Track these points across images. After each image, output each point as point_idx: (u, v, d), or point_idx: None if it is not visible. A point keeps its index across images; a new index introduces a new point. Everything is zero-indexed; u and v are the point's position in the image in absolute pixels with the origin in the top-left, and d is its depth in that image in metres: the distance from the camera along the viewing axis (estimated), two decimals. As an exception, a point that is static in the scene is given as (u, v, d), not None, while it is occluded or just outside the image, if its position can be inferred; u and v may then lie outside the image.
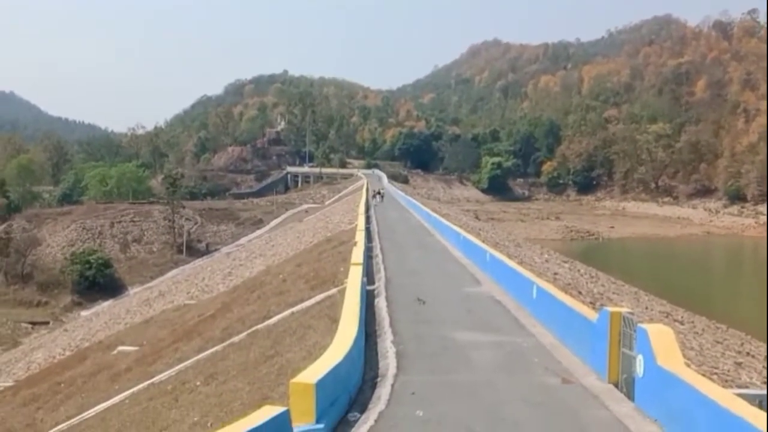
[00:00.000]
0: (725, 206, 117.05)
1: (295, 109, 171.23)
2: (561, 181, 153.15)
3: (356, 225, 34.90)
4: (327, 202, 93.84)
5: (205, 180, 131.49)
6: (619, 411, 9.41)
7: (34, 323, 56.58)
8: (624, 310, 11.12)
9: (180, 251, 75.16)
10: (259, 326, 18.63)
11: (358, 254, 20.41)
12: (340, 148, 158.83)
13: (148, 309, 45.04)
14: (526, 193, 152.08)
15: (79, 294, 63.00)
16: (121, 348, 29.43)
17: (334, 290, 19.25)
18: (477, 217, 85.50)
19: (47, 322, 57.09)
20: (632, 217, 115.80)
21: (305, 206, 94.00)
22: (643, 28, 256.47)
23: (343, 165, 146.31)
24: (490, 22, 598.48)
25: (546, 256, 43.83)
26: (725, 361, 22.06)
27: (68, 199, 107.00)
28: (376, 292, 19.13)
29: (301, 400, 7.75)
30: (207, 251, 76.59)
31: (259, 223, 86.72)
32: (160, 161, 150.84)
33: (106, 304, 60.73)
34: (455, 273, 23.44)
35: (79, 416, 19.02)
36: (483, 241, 29.59)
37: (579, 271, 39.37)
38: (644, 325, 9.69)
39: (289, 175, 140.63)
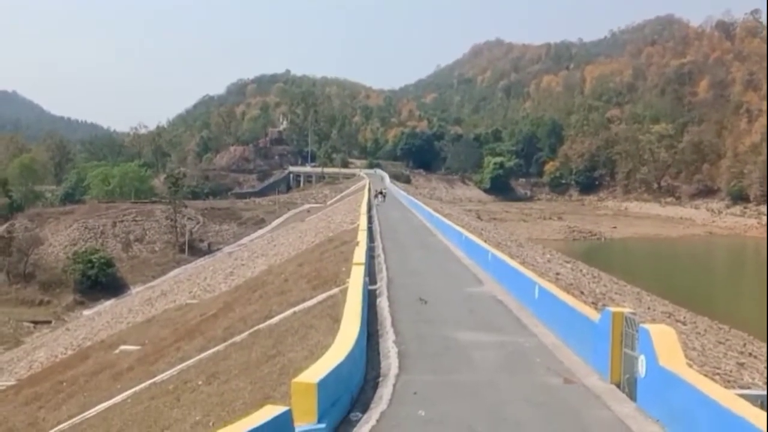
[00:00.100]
0: (728, 206, 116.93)
1: (298, 108, 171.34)
2: (563, 181, 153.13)
3: (358, 225, 34.89)
4: (329, 202, 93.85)
5: (207, 179, 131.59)
6: (621, 411, 9.40)
7: (36, 322, 56.67)
8: (626, 310, 11.11)
9: (182, 251, 75.23)
10: (261, 326, 18.63)
11: (360, 254, 20.41)
12: (342, 148, 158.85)
13: (150, 308, 45.10)
14: (529, 193, 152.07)
15: (81, 293, 63.10)
16: (123, 347, 29.47)
17: (336, 290, 19.25)
18: (479, 217, 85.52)
19: (49, 321, 57.18)
20: (635, 218, 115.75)
21: (307, 206, 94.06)
22: (646, 28, 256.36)
23: (345, 165, 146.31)
24: (493, 22, 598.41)
25: (548, 256, 43.80)
26: (727, 361, 22.04)
27: (70, 198, 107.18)
28: (378, 291, 19.12)
29: (303, 399, 7.75)
30: (209, 251, 76.67)
31: (261, 223, 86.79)
32: (163, 161, 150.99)
33: (108, 304, 60.83)
34: (457, 273, 23.43)
35: (81, 415, 19.04)
36: (485, 241, 29.56)
37: (581, 271, 39.34)
38: (646, 326, 9.68)
39: (291, 175, 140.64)
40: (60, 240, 75.06)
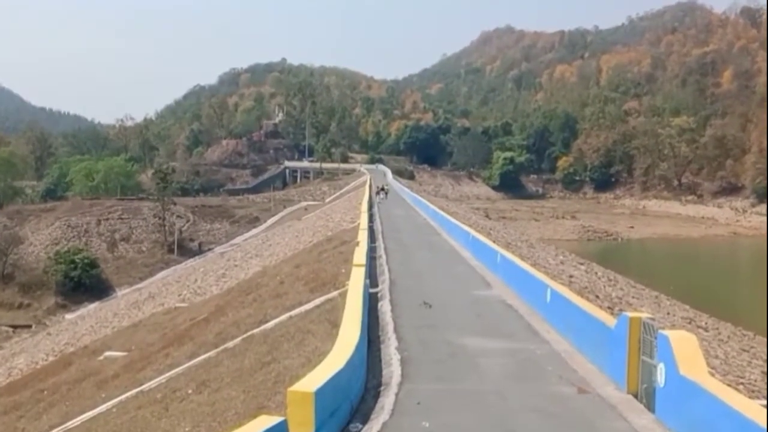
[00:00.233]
0: (753, 205, 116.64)
1: (294, 99, 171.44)
2: (577, 178, 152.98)
3: (358, 224, 34.94)
4: (328, 200, 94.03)
5: (197, 175, 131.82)
6: (639, 423, 9.40)
7: (15, 327, 56.80)
8: (644, 315, 11.10)
9: (171, 251, 75.35)
10: (255, 331, 18.67)
11: (360, 255, 20.42)
12: (341, 142, 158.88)
13: (136, 312, 45.17)
14: (540, 190, 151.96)
15: (63, 296, 63.21)
16: (107, 353, 29.50)
17: (334, 293, 19.27)
18: (487, 216, 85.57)
19: (29, 326, 57.32)
20: (653, 217, 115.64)
21: (304, 203, 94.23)
22: (666, 14, 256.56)
23: (345, 160, 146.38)
24: (503, 8, 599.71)
25: (561, 257, 43.82)
26: (752, 370, 22.04)
27: (52, 194, 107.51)
28: (379, 295, 19.14)
29: (299, 409, 7.75)
30: (200, 251, 76.82)
31: (255, 222, 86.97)
32: (150, 155, 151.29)
33: (92, 307, 60.92)
34: (464, 275, 23.45)
35: (63, 425, 19.07)
36: (494, 242, 29.59)
37: (596, 273, 39.37)
38: (666, 332, 9.67)
39: (287, 171, 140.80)
40: (41, 239, 75.21)
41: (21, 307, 61.56)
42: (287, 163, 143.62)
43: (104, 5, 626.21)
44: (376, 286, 20.59)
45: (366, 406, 10.20)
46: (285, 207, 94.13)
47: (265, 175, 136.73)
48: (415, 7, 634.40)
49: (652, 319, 10.74)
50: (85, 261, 65.41)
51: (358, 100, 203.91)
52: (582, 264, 42.90)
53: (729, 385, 10.33)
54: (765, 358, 25.21)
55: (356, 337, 10.59)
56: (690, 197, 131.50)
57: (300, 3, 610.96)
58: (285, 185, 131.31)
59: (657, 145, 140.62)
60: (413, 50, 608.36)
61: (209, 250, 76.75)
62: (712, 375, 9.89)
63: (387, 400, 10.15)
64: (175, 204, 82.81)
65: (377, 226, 40.05)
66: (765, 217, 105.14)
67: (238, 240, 78.83)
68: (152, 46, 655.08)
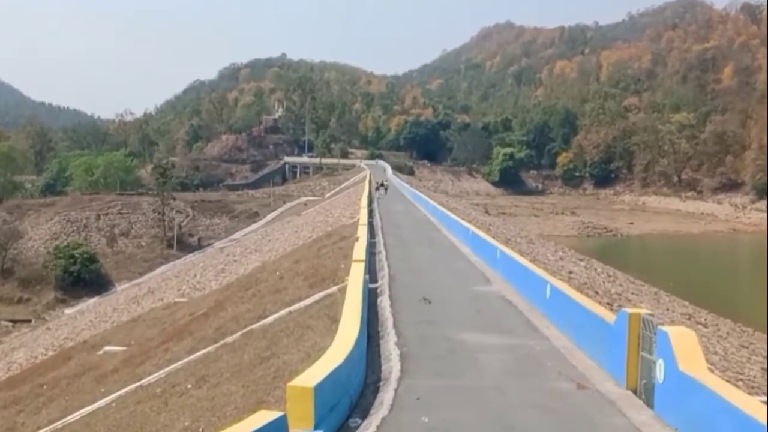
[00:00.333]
0: (753, 201, 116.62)
1: (294, 95, 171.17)
2: (577, 174, 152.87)
3: (358, 219, 34.96)
4: (327, 195, 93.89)
5: (197, 170, 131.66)
6: (638, 419, 9.41)
7: (14, 321, 56.80)
8: (643, 311, 11.11)
9: (170, 246, 75.32)
10: (255, 326, 18.67)
11: (360, 250, 20.43)
12: (341, 137, 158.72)
13: (136, 307, 45.18)
14: (540, 186, 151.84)
15: (62, 290, 63.20)
16: (107, 348, 29.54)
17: (334, 288, 19.28)
18: (487, 212, 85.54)
19: (29, 320, 57.31)
20: (653, 213, 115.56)
21: (304, 199, 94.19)
22: (667, 10, 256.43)
23: (345, 155, 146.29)
24: (503, 4, 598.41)
25: (560, 253, 43.83)
26: (751, 366, 22.05)
27: (52, 189, 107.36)
28: (379, 290, 19.15)
29: (299, 404, 7.75)
30: (199, 246, 76.80)
31: (254, 217, 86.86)
32: (150, 150, 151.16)
33: (91, 302, 60.92)
34: (463, 271, 23.45)
35: (63, 420, 19.08)
36: (493, 237, 29.61)
37: (596, 269, 39.39)
38: (665, 328, 9.69)
39: (287, 166, 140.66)
40: (40, 234, 75.16)
41: (20, 301, 61.56)
42: (287, 159, 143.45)
43: (105, 2, 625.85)
44: (376, 281, 20.61)
45: (365, 401, 10.21)
46: (284, 202, 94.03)
47: (265, 171, 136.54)
48: (415, 2, 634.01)
49: (652, 315, 10.75)
50: (85, 256, 65.38)
51: (358, 96, 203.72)
52: (581, 260, 42.91)
53: (728, 382, 10.33)
54: (764, 354, 25.23)
55: (356, 333, 10.60)
56: (690, 193, 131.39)
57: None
58: (284, 180, 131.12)
59: (657, 141, 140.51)
60: (413, 46, 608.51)
61: (209, 245, 76.72)
62: (712, 371, 9.90)
63: (386, 396, 10.16)
64: (174, 199, 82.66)
65: (377, 221, 40.06)
66: (764, 214, 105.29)
67: (237, 235, 78.78)
68: (152, 41, 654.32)
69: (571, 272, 31.66)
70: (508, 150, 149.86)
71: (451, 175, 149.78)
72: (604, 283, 33.08)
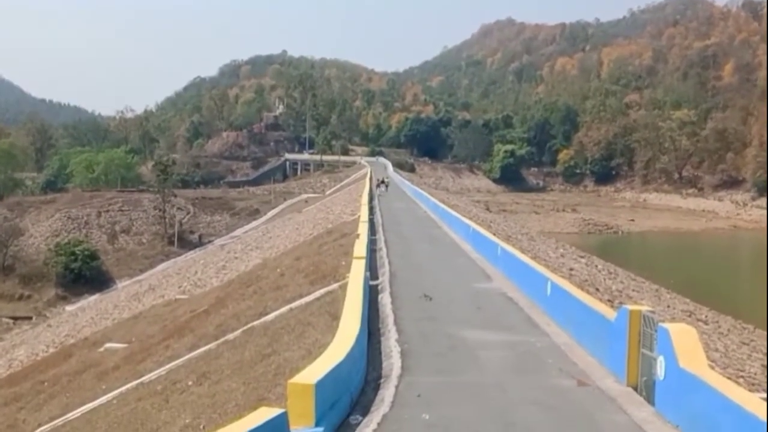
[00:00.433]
0: (753, 198, 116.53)
1: (295, 92, 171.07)
2: (578, 171, 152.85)
3: (359, 216, 34.92)
4: (328, 192, 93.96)
5: (198, 167, 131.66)
6: (638, 416, 9.41)
7: (15, 318, 56.85)
8: (644, 308, 11.11)
9: (171, 243, 75.35)
10: (255, 323, 18.68)
11: (360, 247, 20.42)
12: (342, 134, 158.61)
13: (137, 304, 45.21)
14: (541, 183, 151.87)
15: (63, 287, 63.22)
16: (108, 345, 29.54)
17: (335, 285, 19.28)
18: (488, 209, 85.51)
19: (30, 317, 57.35)
20: (654, 210, 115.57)
21: (305, 196, 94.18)
22: (668, 7, 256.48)
23: (346, 152, 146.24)
24: (504, 0, 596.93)
25: (561, 250, 43.83)
26: (752, 363, 22.04)
27: (52, 186, 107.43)
28: (379, 287, 19.15)
29: (300, 401, 7.76)
30: (200, 243, 76.83)
31: (255, 214, 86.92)
32: (151, 147, 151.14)
33: (92, 299, 60.97)
34: (464, 268, 23.45)
35: (64, 417, 19.11)
36: (494, 234, 29.59)
37: (596, 266, 39.38)
38: (666, 325, 9.68)
39: (287, 163, 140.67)
40: (41, 231, 75.18)
41: (21, 298, 61.60)
42: (288, 156, 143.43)
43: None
44: (377, 278, 20.60)
45: (366, 399, 10.21)
46: (285, 199, 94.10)
47: (266, 168, 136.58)
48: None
49: (652, 312, 10.74)
50: (86, 253, 65.40)
51: (359, 93, 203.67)
52: (582, 257, 42.91)
53: (729, 378, 10.33)
54: (765, 351, 25.23)
55: (356, 330, 10.60)
56: (690, 190, 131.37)
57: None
58: (285, 177, 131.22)
59: (658, 138, 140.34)
60: (414, 43, 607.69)
61: (209, 242, 76.74)
62: (712, 368, 9.91)
63: (387, 393, 10.16)
64: (175, 196, 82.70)
65: (377, 218, 40.05)
66: (765, 211, 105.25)
67: (238, 232, 78.81)
68: (153, 38, 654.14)
69: (571, 269, 31.66)
70: (509, 147, 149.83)
71: (451, 172, 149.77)
72: (604, 280, 33.08)
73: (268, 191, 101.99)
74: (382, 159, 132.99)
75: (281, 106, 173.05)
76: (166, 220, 77.51)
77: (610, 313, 11.99)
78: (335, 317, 13.46)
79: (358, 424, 9.09)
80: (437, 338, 13.48)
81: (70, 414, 19.02)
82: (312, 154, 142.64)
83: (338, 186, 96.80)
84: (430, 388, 10.37)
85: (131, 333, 31.32)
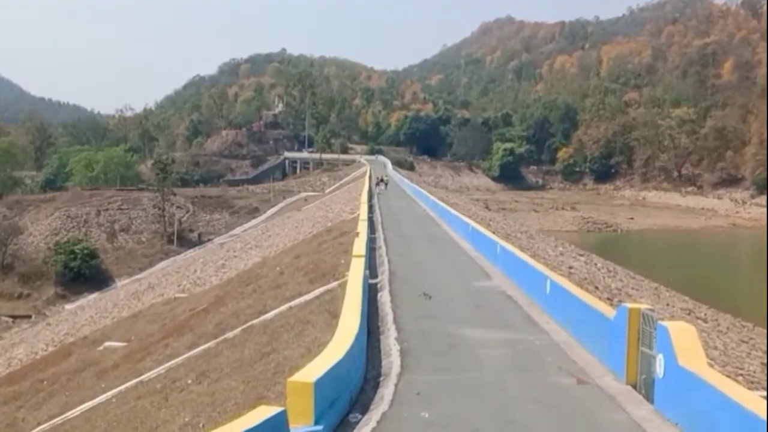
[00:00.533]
0: (753, 196, 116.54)
1: (294, 90, 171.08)
2: (577, 169, 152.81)
3: (358, 214, 34.91)
4: (327, 190, 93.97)
5: (197, 165, 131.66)
6: (638, 414, 9.41)
7: (15, 317, 56.84)
8: (643, 306, 11.11)
9: (170, 241, 75.35)
10: (255, 321, 18.68)
11: (360, 246, 20.41)
12: (341, 133, 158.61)
13: (136, 302, 45.21)
14: (540, 181, 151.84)
15: (63, 286, 63.22)
16: (107, 343, 29.55)
17: (334, 284, 19.28)
18: (487, 207, 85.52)
19: (29, 316, 57.36)
20: (653, 208, 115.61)
21: (304, 194, 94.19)
22: (667, 5, 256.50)
23: (345, 150, 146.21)
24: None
25: (560, 248, 43.83)
26: (751, 361, 22.07)
27: (52, 185, 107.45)
28: (379, 285, 19.14)
29: (299, 399, 7.76)
30: (199, 241, 76.82)
31: (254, 212, 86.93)
32: (150, 145, 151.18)
33: (91, 297, 60.96)
34: (464, 266, 23.44)
35: (63, 416, 19.11)
36: (493, 233, 29.58)
37: (596, 264, 39.39)
38: (665, 323, 9.68)
39: (287, 161, 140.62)
40: (41, 229, 75.18)
41: (21, 297, 61.60)
42: (287, 154, 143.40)
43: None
44: (376, 276, 20.59)
45: (365, 397, 10.21)
46: (284, 198, 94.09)
47: (265, 166, 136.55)
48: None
49: (652, 310, 10.74)
50: (85, 251, 65.40)
51: (358, 91, 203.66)
52: (581, 255, 42.90)
53: (728, 376, 10.34)
54: (764, 349, 25.25)
55: (356, 328, 10.60)
56: (690, 188, 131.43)
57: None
58: (285, 176, 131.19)
59: (657, 136, 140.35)
60: (413, 41, 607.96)
61: (209, 240, 76.74)
62: (711, 366, 9.91)
63: (386, 391, 10.16)
64: (174, 194, 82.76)
65: (377, 217, 40.03)
66: (764, 209, 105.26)
67: (237, 231, 78.81)
68: (152, 37, 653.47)
69: (571, 267, 31.66)
70: (508, 145, 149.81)
71: (451, 171, 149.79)
72: (604, 278, 33.09)
73: (267, 190, 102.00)
74: (381, 157, 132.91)
75: (281, 105, 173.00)
76: (166, 218, 77.52)
77: (610, 312, 11.99)
78: (334, 315, 13.46)
79: (357, 423, 9.09)
80: (437, 336, 13.47)
81: (70, 413, 19.02)
82: (311, 152, 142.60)
83: (337, 184, 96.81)
84: (429, 386, 10.37)
85: (131, 332, 31.32)
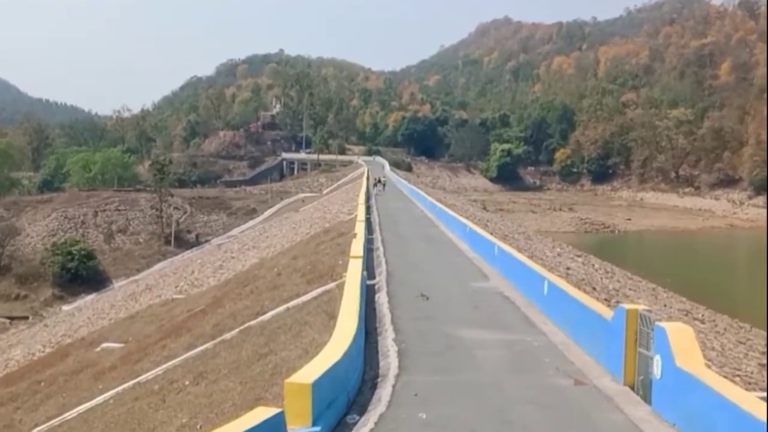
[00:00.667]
0: (750, 197, 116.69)
1: (292, 91, 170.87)
2: (575, 170, 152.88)
3: (356, 215, 34.95)
4: (325, 191, 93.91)
5: (194, 166, 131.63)
6: (635, 415, 9.42)
7: (12, 318, 56.75)
8: (641, 307, 11.12)
9: (168, 242, 75.28)
10: (252, 322, 18.67)
11: (357, 246, 20.41)
12: (339, 134, 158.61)
13: (133, 303, 45.18)
14: (538, 182, 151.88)
15: (60, 287, 63.12)
16: (105, 345, 29.53)
17: (332, 285, 19.27)
18: (485, 208, 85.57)
19: (26, 317, 57.27)
20: (651, 209, 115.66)
21: (302, 195, 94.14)
22: (664, 6, 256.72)
23: (343, 151, 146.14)
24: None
25: (558, 249, 43.87)
26: (748, 362, 22.09)
27: (49, 185, 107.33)
28: (376, 286, 19.16)
29: (297, 401, 7.76)
30: (197, 242, 76.74)
31: (252, 213, 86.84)
32: (147, 146, 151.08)
33: (89, 298, 60.89)
34: (461, 267, 23.46)
35: (60, 417, 19.09)
36: (491, 234, 29.61)
37: (593, 265, 39.41)
38: (662, 324, 9.69)
39: (284, 162, 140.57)
40: (38, 230, 75.07)
41: (18, 298, 61.50)
42: (284, 155, 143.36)
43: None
44: (374, 277, 20.61)
45: (363, 398, 10.21)
46: (282, 199, 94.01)
47: (263, 167, 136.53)
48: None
49: (649, 311, 10.75)
50: (82, 252, 65.30)
51: (356, 92, 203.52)
52: (579, 256, 42.94)
53: (725, 377, 10.35)
54: (761, 350, 25.29)
55: (353, 329, 10.60)
56: (687, 189, 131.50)
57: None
58: (282, 177, 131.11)
59: (654, 137, 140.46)
60: (411, 42, 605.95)
61: (206, 241, 76.65)
62: (709, 367, 9.92)
63: (384, 392, 10.17)
64: (172, 195, 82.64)
65: (374, 217, 40.06)
66: (762, 209, 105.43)
67: (235, 232, 78.74)
68: (149, 38, 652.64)
69: (568, 268, 31.69)
70: (506, 146, 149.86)
71: (448, 171, 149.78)
72: (601, 279, 33.11)
73: (265, 190, 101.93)
74: (379, 158, 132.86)
75: (278, 106, 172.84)
76: (163, 219, 77.45)
77: (607, 312, 12.00)
78: (332, 317, 13.47)
79: (355, 424, 9.09)
80: (434, 337, 13.48)
81: (67, 414, 19.01)
82: (309, 153, 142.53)
83: (335, 185, 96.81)
84: (427, 387, 10.37)
85: (128, 333, 31.30)
